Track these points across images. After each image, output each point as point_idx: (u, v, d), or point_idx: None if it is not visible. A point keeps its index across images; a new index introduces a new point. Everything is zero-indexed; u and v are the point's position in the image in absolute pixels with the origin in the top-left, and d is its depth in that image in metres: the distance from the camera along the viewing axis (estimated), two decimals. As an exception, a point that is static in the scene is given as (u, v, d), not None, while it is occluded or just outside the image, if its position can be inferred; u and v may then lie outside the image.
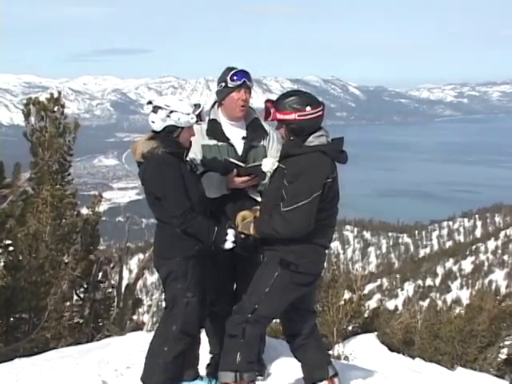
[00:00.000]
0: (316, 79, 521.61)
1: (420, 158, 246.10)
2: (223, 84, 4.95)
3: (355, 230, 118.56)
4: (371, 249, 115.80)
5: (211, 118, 5.05)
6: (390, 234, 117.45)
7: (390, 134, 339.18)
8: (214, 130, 5.03)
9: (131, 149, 4.58)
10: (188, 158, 4.67)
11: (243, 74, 4.93)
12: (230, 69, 4.99)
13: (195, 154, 4.92)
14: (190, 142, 4.61)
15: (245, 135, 5.06)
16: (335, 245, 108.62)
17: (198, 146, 4.95)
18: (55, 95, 8.69)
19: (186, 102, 4.51)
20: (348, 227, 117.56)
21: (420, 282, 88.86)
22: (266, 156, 5.02)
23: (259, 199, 4.93)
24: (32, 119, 8.56)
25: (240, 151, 5.01)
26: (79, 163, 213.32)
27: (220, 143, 5.01)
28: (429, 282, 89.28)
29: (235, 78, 4.90)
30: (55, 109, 8.62)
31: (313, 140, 4.35)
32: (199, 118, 4.53)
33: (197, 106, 4.55)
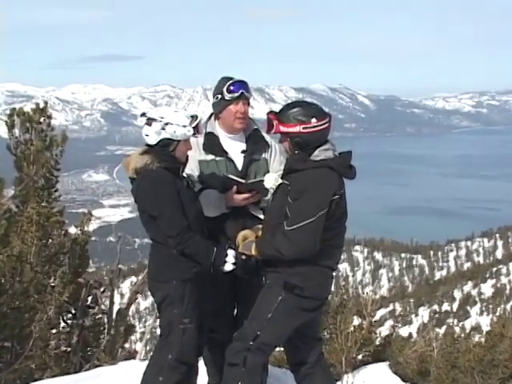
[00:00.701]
0: (322, 88, 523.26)
1: (435, 173, 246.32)
2: (219, 96, 4.97)
3: (365, 250, 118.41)
4: (383, 271, 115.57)
5: (208, 131, 5.06)
6: (402, 254, 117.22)
7: (402, 147, 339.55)
8: (211, 144, 5.04)
9: (123, 163, 4.61)
10: (185, 174, 4.70)
11: (240, 84, 4.95)
12: (225, 79, 5.00)
13: (192, 170, 4.94)
14: (187, 156, 4.64)
15: (244, 148, 5.08)
16: (343, 266, 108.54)
17: (195, 161, 4.97)
18: (41, 105, 8.71)
19: (182, 114, 4.54)
20: (357, 247, 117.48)
21: (436, 307, 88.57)
22: (267, 170, 5.04)
23: (262, 217, 4.95)
24: (16, 131, 8.58)
25: (240, 166, 5.03)
26: (67, 178, 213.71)
27: (218, 158, 5.02)
28: (445, 307, 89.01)
29: (232, 89, 4.91)
30: (41, 120, 8.64)
31: (319, 154, 4.38)
32: (196, 130, 4.56)
33: (194, 117, 4.58)
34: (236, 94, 4.92)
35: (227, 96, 4.93)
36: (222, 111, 5.01)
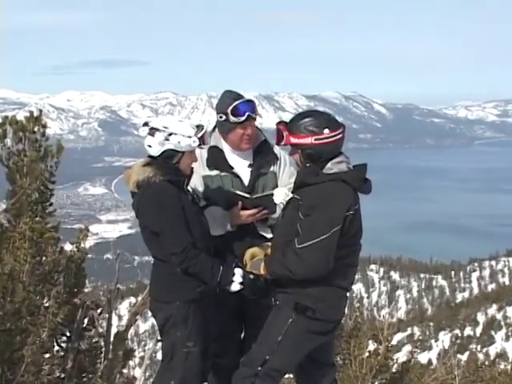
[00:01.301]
0: (335, 95, 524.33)
1: (456, 187, 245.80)
2: (223, 116, 4.97)
3: (381, 270, 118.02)
4: (400, 292, 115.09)
5: (212, 144, 5.07)
6: (421, 274, 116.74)
7: (421, 159, 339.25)
8: (216, 158, 5.06)
9: (124, 176, 4.64)
10: (189, 188, 4.72)
11: (246, 106, 4.95)
12: (230, 97, 4.98)
13: (196, 185, 4.96)
14: (192, 168, 4.66)
15: (251, 162, 5.10)
16: (358, 287, 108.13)
17: (199, 176, 4.99)
18: (35, 113, 8.73)
19: (186, 123, 4.57)
20: (373, 267, 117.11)
21: (458, 331, 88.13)
22: (276, 184, 5.05)
23: (270, 236, 4.96)
24: (8, 141, 8.60)
25: (246, 181, 5.04)
26: (62, 192, 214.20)
27: (223, 173, 5.04)
28: (468, 331, 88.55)
29: (237, 112, 4.91)
30: (35, 129, 8.66)
31: (332, 167, 4.41)
32: (202, 141, 4.59)
33: (199, 127, 4.60)
34: (242, 118, 4.93)
35: (231, 119, 4.93)
36: (227, 133, 5.02)
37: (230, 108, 4.92)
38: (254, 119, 5.02)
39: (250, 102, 5.03)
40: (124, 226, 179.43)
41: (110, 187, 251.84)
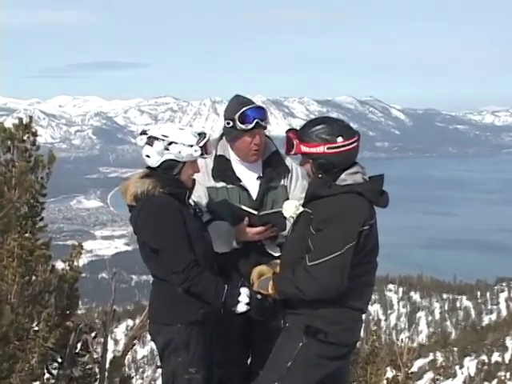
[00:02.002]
0: (350, 100, 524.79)
1: (482, 199, 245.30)
2: (231, 123, 5.00)
3: (400, 289, 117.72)
4: (421, 314, 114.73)
5: (218, 153, 5.10)
6: (444, 295, 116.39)
7: (443, 169, 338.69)
8: (222, 169, 5.08)
9: (120, 188, 4.66)
10: (191, 201, 4.74)
11: (255, 113, 4.98)
12: (238, 102, 5.02)
13: (199, 197, 4.97)
14: (194, 180, 4.69)
15: (261, 174, 5.12)
16: (375, 308, 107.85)
17: (203, 187, 5.00)
18: (24, 120, 8.76)
19: (188, 131, 4.60)
20: (391, 286, 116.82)
21: (484, 357, 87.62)
22: (287, 199, 5.05)
23: (278, 254, 4.97)
24: (-4, 151, 8.64)
25: (255, 194, 5.07)
26: (54, 205, 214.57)
27: (229, 185, 5.06)
28: (496, 357, 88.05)
29: (245, 119, 4.94)
30: (24, 137, 8.68)
31: (346, 178, 4.43)
32: (205, 150, 4.61)
33: (202, 135, 4.63)
34: (250, 126, 4.96)
35: (239, 126, 4.96)
36: (234, 141, 5.05)
37: (238, 114, 4.95)
38: (264, 127, 5.05)
39: (260, 108, 5.06)
40: (120, 242, 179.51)
41: (105, 200, 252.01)
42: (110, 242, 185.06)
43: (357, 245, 4.32)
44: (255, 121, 4.95)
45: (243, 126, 4.95)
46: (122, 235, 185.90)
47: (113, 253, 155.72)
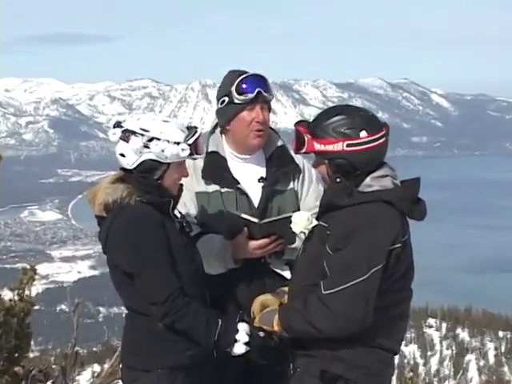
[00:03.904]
0: (378, 83, 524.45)
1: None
2: (226, 99, 5.06)
3: (443, 325, 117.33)
4: (471, 357, 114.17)
5: (210, 149, 5.15)
6: (500, 333, 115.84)
7: (498, 171, 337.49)
8: (215, 168, 5.12)
9: (86, 196, 4.66)
10: (177, 212, 4.76)
11: (256, 80, 5.05)
12: (234, 74, 5.09)
13: (186, 206, 5.01)
14: (180, 186, 4.71)
15: (263, 175, 5.16)
16: (410, 349, 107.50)
17: (191, 193, 5.04)
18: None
19: (174, 125, 4.60)
20: (431, 321, 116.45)
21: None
22: (297, 206, 5.09)
23: (287, 275, 5.00)
24: None
25: (256, 200, 5.11)
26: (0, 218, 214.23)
27: (224, 189, 5.10)
28: None
29: (244, 88, 5.00)
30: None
31: (371, 183, 4.43)
32: (194, 149, 4.60)
33: (191, 130, 4.63)
34: (250, 96, 5.01)
35: (237, 98, 5.02)
36: (230, 121, 5.10)
37: (235, 85, 5.02)
38: (267, 101, 5.11)
39: (261, 77, 5.10)
40: (85, 265, 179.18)
41: (65, 211, 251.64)
42: (72, 264, 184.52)
43: (385, 268, 4.30)
44: (256, 90, 5.01)
45: (242, 97, 5.01)
46: (86, 256, 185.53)
47: (75, 279, 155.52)
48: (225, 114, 5.11)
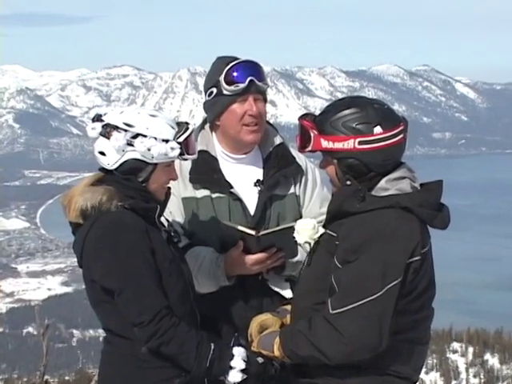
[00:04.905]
0: (395, 71, 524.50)
1: None
2: (214, 90, 5.08)
3: (469, 350, 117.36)
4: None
5: (199, 148, 5.11)
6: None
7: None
8: (205, 170, 5.14)
9: (61, 200, 4.66)
10: (163, 220, 4.78)
11: (247, 67, 5.06)
12: (223, 61, 5.10)
13: (172, 213, 5.03)
14: (168, 190, 4.72)
15: (260, 177, 5.18)
16: (432, 377, 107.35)
17: (178, 198, 5.06)
18: None
19: (162, 120, 4.61)
20: (456, 346, 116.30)
21: None
22: (299, 214, 5.11)
23: (287, 294, 5.02)
24: None
25: (252, 207, 5.14)
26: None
27: (215, 194, 5.12)
28: None
29: (234, 76, 5.01)
30: None
31: (386, 186, 4.44)
32: (185, 148, 4.60)
33: (182, 126, 4.63)
34: (241, 86, 5.02)
35: (226, 89, 5.03)
36: (220, 115, 5.12)
37: (224, 73, 5.02)
38: (262, 91, 5.12)
39: (253, 63, 5.11)
40: (56, 281, 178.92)
41: (33, 219, 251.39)
42: (41, 280, 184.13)
43: (403, 284, 4.30)
44: (248, 78, 5.01)
45: (232, 88, 5.02)
46: (58, 270, 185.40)
47: (44, 297, 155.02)
48: (213, 108, 5.13)
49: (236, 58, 5.11)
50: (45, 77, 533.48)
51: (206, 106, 5.19)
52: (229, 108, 5.06)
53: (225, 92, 5.02)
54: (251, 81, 5.00)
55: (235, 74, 5.00)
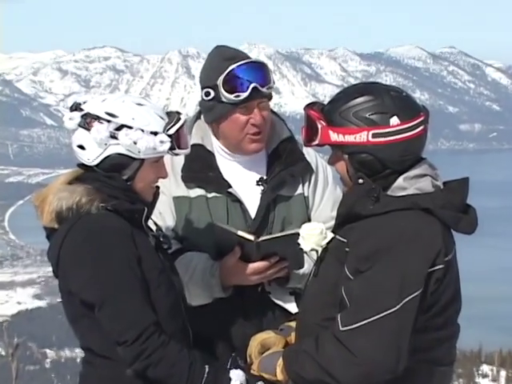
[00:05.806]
0: (416, 53, 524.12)
1: None
2: (211, 93, 5.05)
3: (501, 374, 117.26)
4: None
5: (193, 142, 5.12)
6: None
7: None
8: (200, 166, 5.15)
9: (33, 200, 4.67)
10: (151, 224, 4.80)
11: (250, 71, 5.03)
12: (220, 57, 5.07)
13: (162, 214, 5.04)
14: (157, 189, 4.73)
15: (264, 176, 5.20)
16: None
17: (168, 198, 5.07)
18: None
19: (150, 109, 4.61)
20: (486, 369, 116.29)
21: None
22: (308, 217, 5.12)
23: (292, 308, 5.04)
24: None
25: (253, 209, 5.15)
26: None
27: (211, 194, 5.13)
28: None
29: (234, 84, 4.98)
30: None
31: (404, 185, 4.44)
32: (177, 141, 4.59)
33: (172, 116, 4.62)
34: (243, 95, 5.00)
35: (226, 97, 5.01)
36: (218, 122, 5.12)
37: (222, 77, 4.99)
38: (267, 97, 5.11)
39: (259, 65, 5.10)
40: (27, 293, 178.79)
41: (0, 222, 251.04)
42: (9, 293, 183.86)
43: (423, 297, 4.29)
44: (251, 86, 4.98)
45: (232, 97, 4.99)
46: (29, 281, 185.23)
47: (13, 312, 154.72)
48: (211, 113, 5.13)
49: (237, 53, 5.09)
50: (14, 59, 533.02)
51: (203, 107, 5.19)
52: (229, 117, 5.06)
53: (223, 99, 5.00)
54: (255, 88, 4.97)
55: (235, 80, 4.96)
